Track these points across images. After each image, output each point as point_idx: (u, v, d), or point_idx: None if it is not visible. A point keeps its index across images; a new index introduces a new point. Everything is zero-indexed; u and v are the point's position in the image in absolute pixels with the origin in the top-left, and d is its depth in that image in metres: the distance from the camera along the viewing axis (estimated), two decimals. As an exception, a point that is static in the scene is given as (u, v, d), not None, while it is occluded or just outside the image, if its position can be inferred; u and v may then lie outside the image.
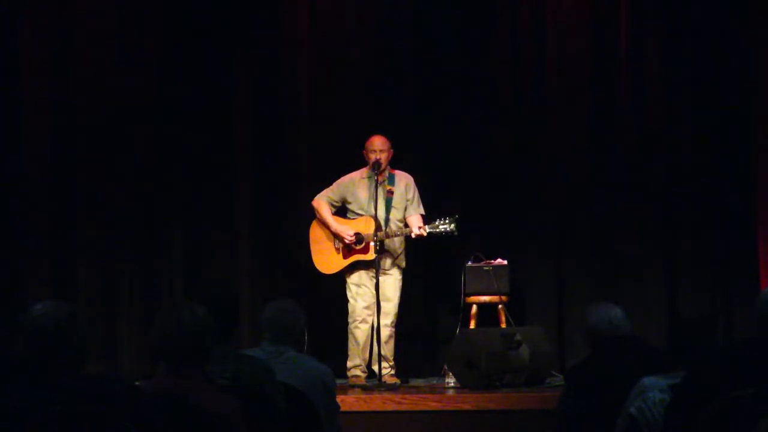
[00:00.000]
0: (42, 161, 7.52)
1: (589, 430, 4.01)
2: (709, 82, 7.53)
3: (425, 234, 6.69)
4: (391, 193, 6.82)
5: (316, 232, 7.01)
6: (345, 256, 6.87)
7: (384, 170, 6.80)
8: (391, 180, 6.86)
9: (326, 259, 6.94)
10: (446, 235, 6.70)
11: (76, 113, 7.57)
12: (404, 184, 6.91)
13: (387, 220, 6.76)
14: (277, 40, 7.76)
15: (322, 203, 6.97)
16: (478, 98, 7.75)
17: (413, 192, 6.93)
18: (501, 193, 7.71)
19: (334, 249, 6.92)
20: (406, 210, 6.89)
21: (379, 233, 6.67)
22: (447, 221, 6.68)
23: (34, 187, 7.49)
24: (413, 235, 6.73)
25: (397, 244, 6.88)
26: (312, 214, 7.03)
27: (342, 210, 7.00)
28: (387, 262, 6.82)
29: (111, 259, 7.55)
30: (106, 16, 7.60)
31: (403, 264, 6.94)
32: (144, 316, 7.37)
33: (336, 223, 6.91)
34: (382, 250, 6.69)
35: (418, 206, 6.93)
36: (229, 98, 7.72)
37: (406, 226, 6.85)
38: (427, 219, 6.80)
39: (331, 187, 6.99)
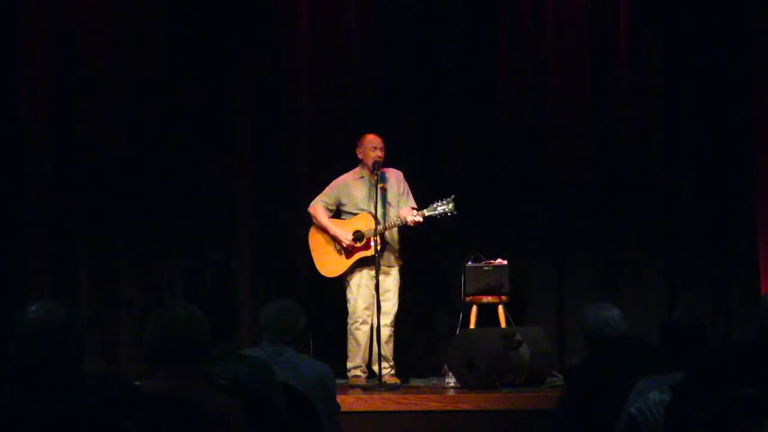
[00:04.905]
0: (42, 161, 7.52)
1: (589, 431, 4.01)
2: (709, 82, 7.53)
3: (422, 219, 6.68)
4: (384, 190, 6.81)
5: (315, 238, 7.00)
6: (348, 256, 6.87)
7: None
8: (383, 178, 6.85)
9: (330, 263, 6.93)
10: (446, 216, 6.69)
11: (76, 113, 7.57)
12: (395, 179, 6.92)
13: (384, 216, 6.75)
14: (276, 41, 7.76)
15: (318, 208, 6.96)
16: (478, 98, 7.75)
17: (404, 186, 6.95)
18: (501, 194, 7.71)
19: (335, 251, 6.91)
20: (399, 205, 6.90)
21: (378, 227, 6.66)
22: (444, 202, 6.68)
23: (34, 186, 7.50)
24: (410, 222, 6.70)
25: (395, 238, 6.89)
26: (310, 218, 7.02)
27: (337, 213, 6.99)
28: (387, 258, 6.81)
29: (111, 259, 7.55)
30: (107, 15, 7.61)
31: (401, 261, 6.94)
32: (144, 316, 7.36)
33: (334, 227, 6.90)
34: (383, 246, 6.68)
35: (408, 199, 6.94)
36: (230, 98, 7.71)
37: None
38: (424, 204, 6.78)
39: (324, 191, 6.99)
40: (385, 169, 6.89)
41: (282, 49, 7.76)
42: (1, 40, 7.51)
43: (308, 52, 7.75)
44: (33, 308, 2.94)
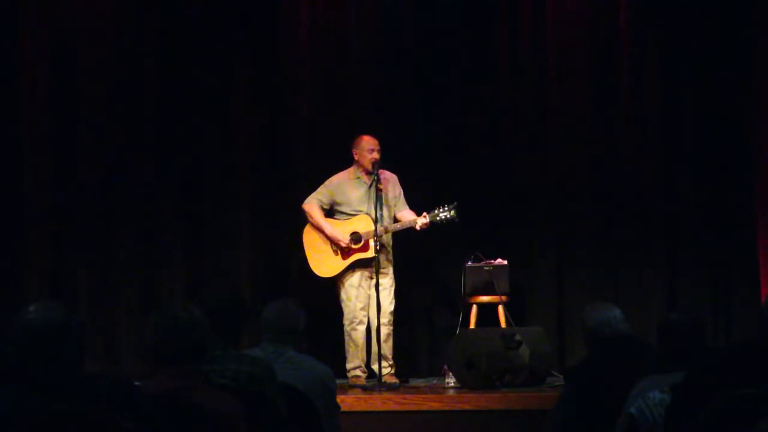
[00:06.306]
0: (42, 161, 7.53)
1: (589, 431, 4.01)
2: (709, 82, 7.54)
3: (428, 222, 6.69)
4: (379, 191, 6.81)
5: (310, 237, 6.98)
6: (344, 257, 6.86)
7: None
8: (379, 180, 6.83)
9: (325, 263, 6.92)
10: (447, 222, 6.69)
11: (76, 115, 7.57)
12: (391, 183, 6.92)
13: (381, 218, 6.75)
14: (277, 42, 7.76)
15: (313, 206, 6.94)
16: (478, 98, 7.75)
17: (399, 190, 6.95)
18: (501, 194, 7.71)
19: (331, 251, 6.90)
20: (396, 207, 6.90)
21: (379, 228, 6.66)
22: (446, 208, 6.68)
23: (34, 187, 7.50)
24: (418, 227, 6.71)
25: (390, 240, 6.89)
26: (305, 218, 7.01)
27: (329, 212, 6.98)
28: (384, 259, 6.81)
29: (111, 259, 7.55)
30: (105, 16, 7.61)
31: (392, 262, 6.93)
32: (144, 316, 7.34)
33: (330, 227, 6.88)
34: (381, 248, 6.68)
35: (404, 203, 6.94)
36: (230, 99, 7.72)
37: (395, 221, 6.85)
38: (425, 207, 6.78)
39: (319, 189, 6.97)
40: (381, 171, 6.87)
41: (282, 50, 7.76)
42: (1, 41, 7.51)
43: (308, 53, 7.75)
44: (32, 309, 2.94)
